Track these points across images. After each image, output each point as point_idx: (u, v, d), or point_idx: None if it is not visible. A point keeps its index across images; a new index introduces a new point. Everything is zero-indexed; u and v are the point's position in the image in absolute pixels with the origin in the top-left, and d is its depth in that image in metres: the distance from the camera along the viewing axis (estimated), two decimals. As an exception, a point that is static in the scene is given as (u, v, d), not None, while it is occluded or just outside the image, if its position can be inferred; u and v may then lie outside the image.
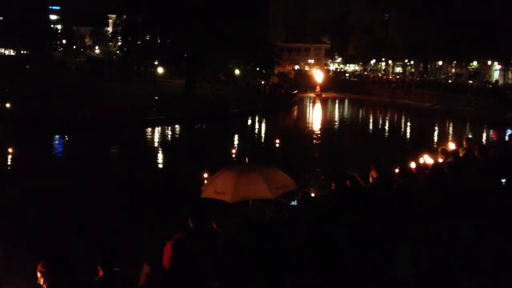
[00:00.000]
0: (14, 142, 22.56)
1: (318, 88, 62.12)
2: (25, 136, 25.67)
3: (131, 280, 5.30)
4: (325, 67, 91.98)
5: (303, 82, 72.50)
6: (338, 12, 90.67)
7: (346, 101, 61.09)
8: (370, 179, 8.36)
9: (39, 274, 4.64)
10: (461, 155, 10.20)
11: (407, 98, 58.97)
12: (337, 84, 71.45)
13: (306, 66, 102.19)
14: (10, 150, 21.02)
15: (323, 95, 61.20)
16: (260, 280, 5.65)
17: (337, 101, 60.75)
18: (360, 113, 52.55)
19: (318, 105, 54.54)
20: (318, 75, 67.07)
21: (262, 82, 55.85)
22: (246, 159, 8.47)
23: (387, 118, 47.90)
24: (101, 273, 5.18)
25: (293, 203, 8.03)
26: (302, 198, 7.25)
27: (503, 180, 8.01)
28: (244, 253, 5.91)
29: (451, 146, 12.14)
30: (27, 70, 61.53)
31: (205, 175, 9.53)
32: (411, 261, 5.20)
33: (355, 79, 77.61)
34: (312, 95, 62.13)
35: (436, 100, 53.99)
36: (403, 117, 47.35)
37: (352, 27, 78.89)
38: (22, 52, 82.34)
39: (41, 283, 4.67)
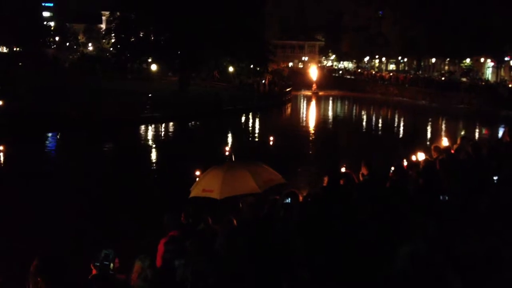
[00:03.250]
0: (6, 140, 22.42)
1: (314, 86, 62.04)
2: (17, 134, 25.55)
3: (125, 279, 5.31)
4: (319, 64, 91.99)
5: (297, 79, 72.47)
6: (333, 10, 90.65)
7: (340, 99, 61.14)
8: (360, 177, 8.38)
9: (32, 276, 4.62)
10: (453, 151, 10.25)
11: (400, 95, 59.13)
12: (331, 82, 71.51)
13: (300, 63, 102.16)
14: (1, 148, 20.88)
15: (320, 93, 61.13)
16: (255, 277, 5.65)
17: (331, 99, 60.78)
18: (354, 111, 52.64)
19: (312, 103, 54.57)
20: (313, 73, 66.96)
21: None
22: (232, 157, 8.55)
23: (384, 116, 47.95)
24: (94, 271, 5.18)
25: (287, 200, 8.05)
26: (288, 197, 7.26)
27: (494, 178, 8.04)
28: (239, 250, 5.92)
29: (444, 143, 12.18)
30: (20, 67, 61.19)
31: (197, 173, 9.55)
32: (404, 259, 5.22)
33: (349, 77, 77.71)
34: (308, 93, 62.05)
35: (430, 97, 54.16)
36: (401, 115, 47.32)
37: (346, 25, 78.95)
38: (14, 49, 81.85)
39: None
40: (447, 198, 6.85)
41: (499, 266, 4.78)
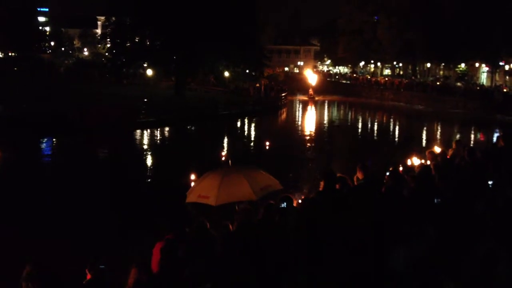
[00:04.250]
0: (1, 144, 22.33)
1: (311, 91, 61.99)
2: (12, 138, 25.42)
3: (119, 283, 5.28)
4: (315, 69, 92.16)
5: (293, 84, 72.51)
6: (328, 15, 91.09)
7: (336, 104, 61.18)
8: (355, 181, 8.37)
9: (23, 282, 4.59)
10: (448, 156, 10.27)
11: (396, 100, 59.31)
12: (326, 87, 71.61)
13: (295, 68, 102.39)
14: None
15: (316, 98, 61.09)
16: (252, 281, 5.65)
17: (326, 103, 60.80)
18: (350, 116, 52.70)
19: (308, 108, 54.58)
20: (311, 78, 66.88)
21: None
22: (229, 162, 8.50)
23: (380, 120, 47.97)
24: (88, 276, 5.16)
25: (282, 205, 8.04)
26: (284, 202, 7.25)
27: (490, 182, 8.06)
28: (236, 254, 5.91)
29: (436, 149, 12.19)
30: (15, 72, 61.04)
31: (193, 177, 9.53)
32: (401, 262, 5.22)
33: (345, 81, 77.88)
34: (304, 97, 62.02)
35: (425, 102, 54.30)
36: (396, 120, 47.33)
37: (342, 30, 79.12)
38: (10, 54, 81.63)
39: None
40: (440, 200, 6.87)
41: (495, 268, 4.78)
